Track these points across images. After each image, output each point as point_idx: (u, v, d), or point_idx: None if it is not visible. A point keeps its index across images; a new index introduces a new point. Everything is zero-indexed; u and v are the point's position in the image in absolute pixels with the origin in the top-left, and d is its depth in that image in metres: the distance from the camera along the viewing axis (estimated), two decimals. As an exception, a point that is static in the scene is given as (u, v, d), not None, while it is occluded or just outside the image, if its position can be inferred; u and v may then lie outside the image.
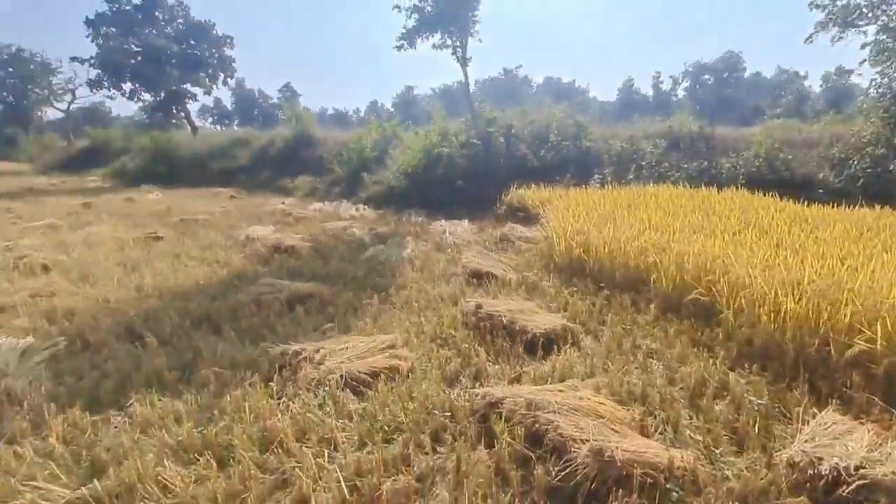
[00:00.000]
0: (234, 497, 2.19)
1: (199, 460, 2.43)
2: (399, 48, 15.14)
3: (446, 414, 2.80)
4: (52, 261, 6.32)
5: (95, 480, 2.26)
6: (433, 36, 14.94)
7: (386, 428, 2.69)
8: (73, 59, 27.00)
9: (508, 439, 2.49)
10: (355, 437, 2.65)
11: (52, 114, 49.30)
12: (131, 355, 3.62)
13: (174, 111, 28.52)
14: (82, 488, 2.24)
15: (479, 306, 4.33)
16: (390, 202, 13.07)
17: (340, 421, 2.80)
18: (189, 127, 30.82)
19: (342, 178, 16.82)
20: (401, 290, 5.30)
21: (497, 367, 3.40)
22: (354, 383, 3.19)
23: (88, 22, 24.96)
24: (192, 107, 31.25)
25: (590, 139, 13.79)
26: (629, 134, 14.16)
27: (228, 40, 28.39)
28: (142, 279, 5.60)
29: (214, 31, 27.59)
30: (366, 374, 3.30)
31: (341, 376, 3.19)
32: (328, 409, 2.90)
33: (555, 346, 3.65)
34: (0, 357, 3.26)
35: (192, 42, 27.31)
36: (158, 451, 2.45)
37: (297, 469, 2.33)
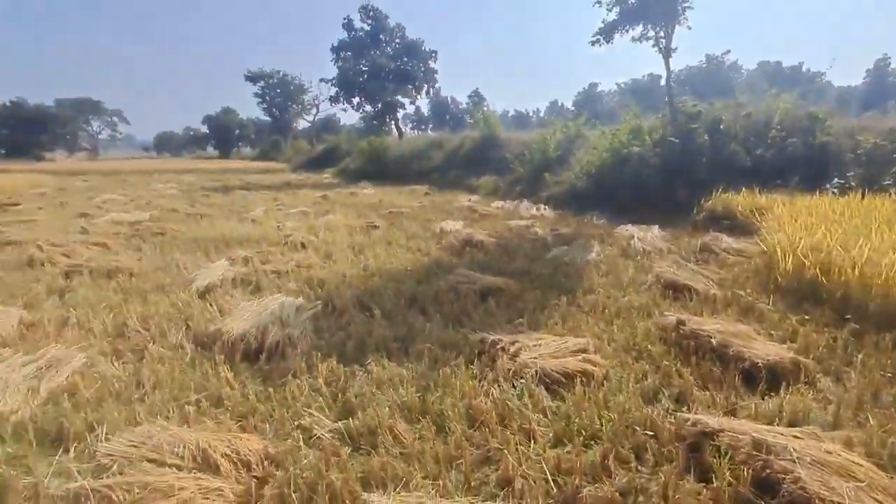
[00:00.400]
0: (450, 460, 2.47)
1: (420, 421, 2.80)
2: (594, 43, 14.53)
3: (648, 432, 2.65)
4: (307, 240, 7.95)
5: (349, 419, 2.81)
6: (633, 28, 13.91)
7: (583, 432, 2.68)
8: (322, 80, 33.63)
9: (730, 478, 2.23)
10: (550, 434, 2.70)
11: (302, 124, 61.58)
12: (364, 323, 4.35)
13: (387, 119, 32.84)
14: (339, 422, 2.81)
15: (681, 322, 3.95)
16: (571, 203, 12.74)
17: (536, 415, 2.89)
18: (396, 132, 35.14)
19: (523, 178, 17.05)
20: (587, 294, 5.16)
21: (706, 394, 3.06)
22: (548, 381, 3.25)
23: (333, 49, 30.61)
24: (398, 115, 35.49)
25: (828, 134, 11.13)
26: (888, 126, 10.98)
27: (433, 54, 31.42)
28: (366, 261, 6.65)
29: (423, 48, 30.84)
30: (559, 373, 3.32)
31: (536, 372, 3.28)
32: (525, 400, 3.02)
33: (782, 383, 3.10)
34: (284, 311, 4.27)
35: (405, 59, 31.01)
36: (391, 406, 2.91)
37: (503, 450, 2.50)
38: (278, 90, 57.24)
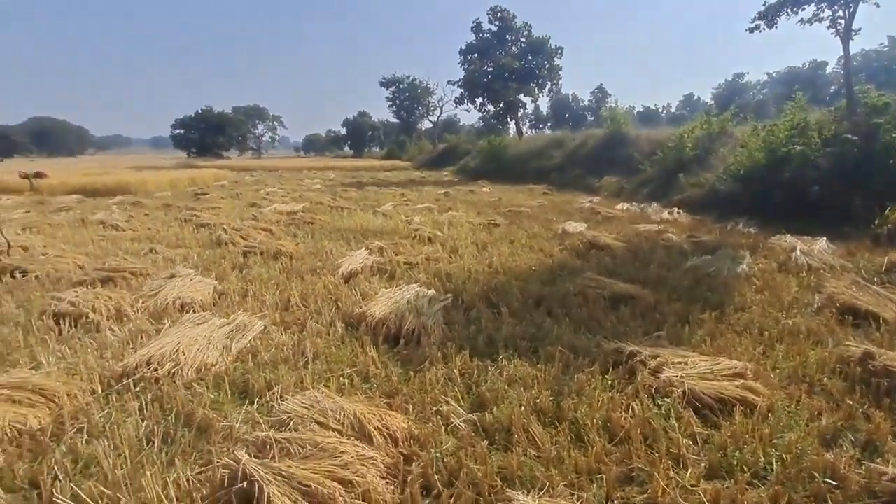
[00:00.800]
0: (590, 472, 2.35)
1: (556, 427, 2.72)
2: (753, 30, 12.71)
3: (830, 481, 2.23)
4: (433, 234, 8.28)
5: (484, 413, 2.84)
6: (802, 10, 11.86)
7: (745, 468, 2.35)
8: (449, 82, 34.80)
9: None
10: (704, 464, 2.42)
11: (426, 125, 64.48)
12: (492, 319, 4.38)
13: (507, 118, 32.77)
14: (474, 414, 2.85)
15: (868, 356, 3.26)
16: (710, 207, 11.36)
17: (685, 439, 2.61)
18: (516, 131, 34.89)
19: (653, 179, 15.70)
20: (739, 312, 4.55)
21: (908, 444, 2.48)
22: (697, 404, 2.93)
23: (461, 52, 31.40)
24: (519, 113, 35.11)
25: None
26: None
27: (559, 51, 30.43)
28: (490, 258, 6.69)
29: (549, 45, 30.05)
30: (711, 397, 2.97)
31: (684, 392, 2.98)
32: (671, 422, 2.75)
33: None
34: (419, 301, 4.49)
35: (530, 56, 30.53)
36: (526, 406, 2.87)
37: (650, 472, 2.31)
38: (407, 93, 60.60)
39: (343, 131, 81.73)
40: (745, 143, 11.78)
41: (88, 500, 2.16)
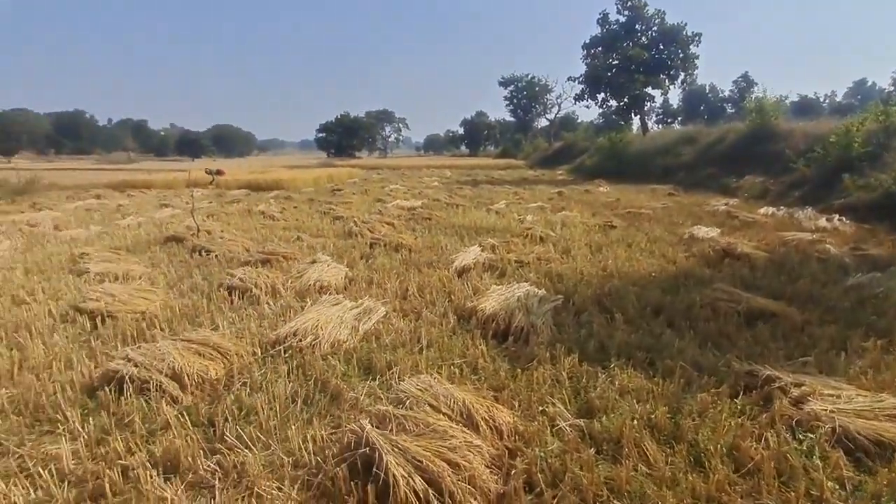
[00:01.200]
0: (710, 501, 2.14)
1: (672, 446, 2.52)
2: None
3: None
4: (545, 234, 8.12)
5: (592, 420, 2.75)
6: None
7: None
8: (569, 78, 33.28)
9: None
10: (857, 514, 2.04)
11: (542, 123, 63.04)
12: (605, 325, 4.17)
13: (632, 114, 30.44)
14: (580, 420, 2.77)
15: None
16: (884, 215, 9.30)
17: (830, 482, 2.23)
18: (641, 127, 32.24)
19: (807, 180, 13.35)
20: (921, 343, 3.68)
21: None
22: (850, 444, 2.46)
23: (584, 46, 29.89)
24: (645, 108, 32.33)
25: None
26: None
27: (696, 38, 27.22)
28: (605, 261, 6.35)
29: (684, 32, 27.07)
30: (868, 439, 2.48)
31: (833, 430, 2.53)
32: (814, 461, 2.36)
33: None
34: (529, 299, 4.47)
35: (661, 46, 27.86)
36: (638, 419, 2.70)
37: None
38: (525, 92, 59.81)
39: (460, 131, 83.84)
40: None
41: (248, 440, 2.60)
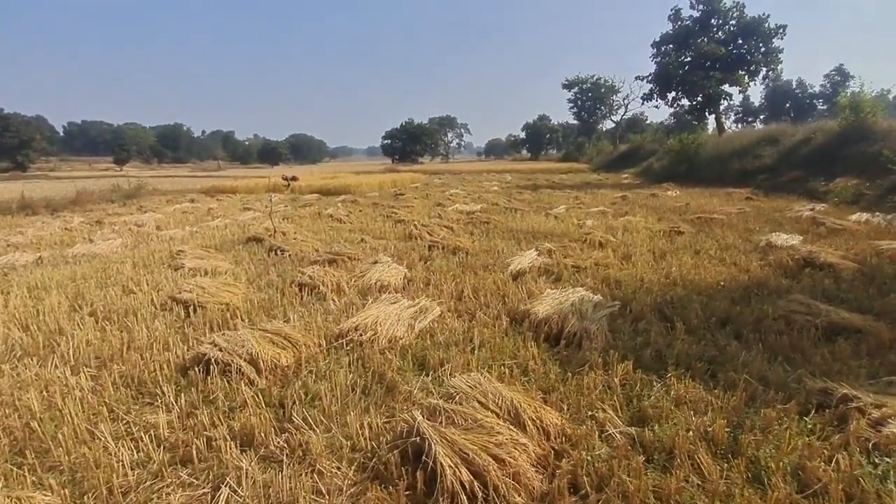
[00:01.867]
0: (769, 520, 2.02)
1: (730, 461, 2.39)
2: None
3: None
4: (605, 239, 7.87)
5: (644, 428, 2.68)
6: None
7: None
8: (637, 77, 31.54)
9: None
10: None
11: (607, 125, 60.70)
12: (663, 333, 4.00)
13: (706, 113, 28.43)
14: (632, 427, 2.71)
15: None
16: None
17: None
18: (716, 127, 29.99)
19: (913, 183, 11.71)
20: None
21: None
22: (944, 476, 2.20)
23: (654, 44, 28.35)
24: (721, 107, 30.06)
25: None
26: None
27: (780, 30, 24.83)
28: (669, 268, 6.05)
29: (766, 25, 24.81)
30: (969, 473, 2.19)
31: (923, 457, 2.27)
32: (889, 486, 2.14)
33: None
34: (583, 304, 4.40)
35: (740, 41, 25.76)
36: (694, 431, 2.59)
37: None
38: (590, 93, 57.95)
39: (522, 135, 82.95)
40: None
41: (313, 423, 2.83)
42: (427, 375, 3.43)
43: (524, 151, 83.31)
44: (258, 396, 3.16)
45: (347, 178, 24.65)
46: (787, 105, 55.70)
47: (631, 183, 22.95)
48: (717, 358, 3.51)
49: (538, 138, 78.65)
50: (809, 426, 2.62)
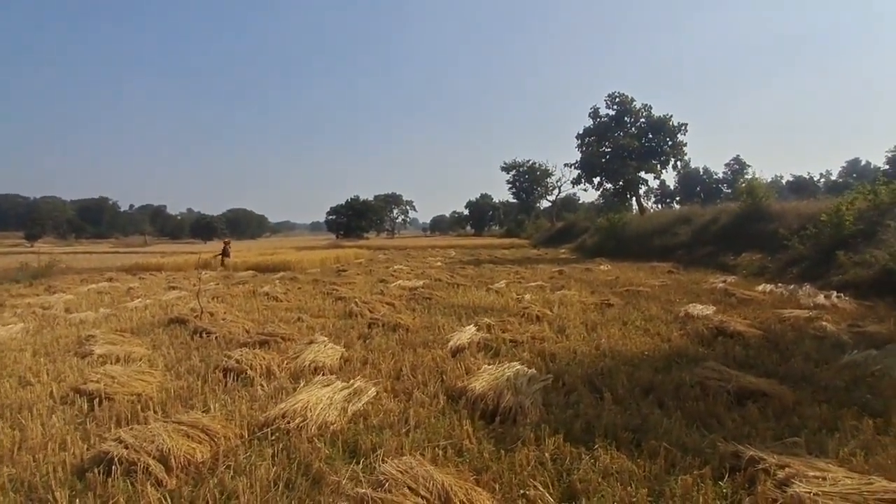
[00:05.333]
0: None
1: (651, 530, 2.49)
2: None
3: None
4: (542, 313, 8.25)
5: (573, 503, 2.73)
6: None
7: None
8: (566, 164, 35.71)
9: None
10: None
11: (544, 204, 65.65)
12: (593, 404, 4.19)
13: (627, 195, 31.90)
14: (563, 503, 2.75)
15: None
16: (883, 291, 9.39)
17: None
18: (637, 208, 33.51)
19: (804, 257, 13.60)
20: (915, 424, 3.65)
21: None
22: (838, 530, 2.42)
23: (578, 136, 32.33)
24: (640, 191, 33.92)
25: None
26: None
27: (683, 127, 29.39)
28: (599, 339, 6.42)
29: (670, 122, 29.31)
30: (857, 525, 2.44)
31: (817, 513, 2.50)
32: (798, 546, 2.32)
33: None
34: (519, 379, 4.54)
35: (650, 136, 30.02)
36: (619, 503, 2.68)
37: None
38: (526, 176, 63.13)
39: (466, 212, 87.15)
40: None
41: (227, 526, 2.60)
42: (358, 463, 3.30)
43: (468, 227, 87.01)
44: (166, 499, 2.87)
45: (287, 254, 24.24)
46: (698, 188, 63.82)
47: (568, 258, 24.49)
48: (641, 426, 3.71)
49: (481, 215, 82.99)
50: (724, 490, 2.81)
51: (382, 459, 3.25)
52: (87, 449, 3.48)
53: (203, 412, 4.09)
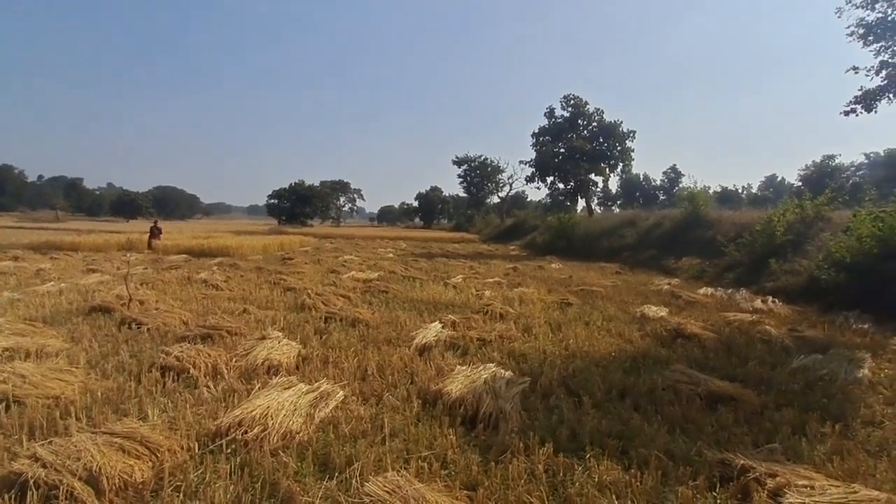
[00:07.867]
0: None
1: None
2: (849, 113, 12.16)
3: None
4: (504, 311, 8.18)
5: (574, 522, 2.58)
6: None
7: None
8: (521, 161, 36.43)
9: None
10: None
11: (493, 200, 66.61)
12: (573, 409, 4.10)
13: (578, 197, 33.10)
14: (562, 522, 2.59)
15: None
16: (811, 298, 10.30)
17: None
18: (587, 209, 34.87)
19: (740, 263, 14.67)
20: (868, 427, 3.91)
21: None
22: (831, 541, 2.45)
23: (533, 135, 33.01)
24: (590, 192, 35.32)
25: None
26: None
27: (631, 134, 30.89)
28: (566, 340, 6.42)
29: (620, 129, 30.68)
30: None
31: (813, 524, 2.52)
32: (800, 560, 2.31)
33: None
34: (496, 382, 4.36)
35: (601, 139, 31.26)
36: (623, 520, 2.57)
37: None
38: (478, 171, 63.65)
39: (415, 204, 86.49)
40: (855, 229, 10.67)
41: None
42: (332, 479, 2.95)
43: (417, 220, 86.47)
44: (96, 533, 2.38)
45: (225, 238, 22.60)
46: (637, 193, 67.62)
47: (519, 254, 24.93)
48: (625, 433, 3.66)
49: (430, 208, 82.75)
50: (720, 502, 2.78)
51: (361, 475, 2.92)
52: (-10, 470, 2.84)
53: (140, 420, 3.52)
